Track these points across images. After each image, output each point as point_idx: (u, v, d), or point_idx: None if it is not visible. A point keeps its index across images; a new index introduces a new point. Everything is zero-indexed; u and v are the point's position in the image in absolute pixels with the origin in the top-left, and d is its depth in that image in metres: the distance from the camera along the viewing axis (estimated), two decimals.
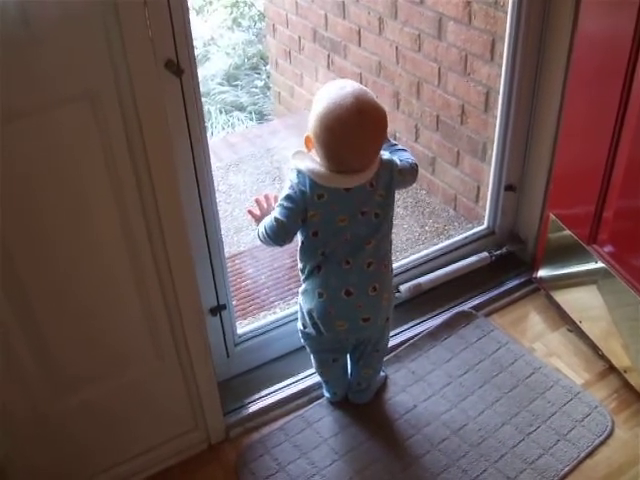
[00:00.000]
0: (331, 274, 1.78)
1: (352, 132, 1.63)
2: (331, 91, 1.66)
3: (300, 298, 1.89)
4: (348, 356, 2.05)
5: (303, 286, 1.86)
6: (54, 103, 1.33)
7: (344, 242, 1.75)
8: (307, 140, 1.71)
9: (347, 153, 1.66)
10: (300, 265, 1.84)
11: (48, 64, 1.28)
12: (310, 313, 1.84)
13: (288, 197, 1.71)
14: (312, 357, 2.03)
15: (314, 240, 1.75)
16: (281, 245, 1.81)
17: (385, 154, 1.77)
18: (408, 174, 1.81)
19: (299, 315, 1.93)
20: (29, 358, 1.58)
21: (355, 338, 1.94)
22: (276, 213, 1.74)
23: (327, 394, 2.11)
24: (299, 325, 1.94)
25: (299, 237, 1.80)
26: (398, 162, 1.78)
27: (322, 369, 2.03)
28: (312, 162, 1.69)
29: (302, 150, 1.73)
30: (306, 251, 1.80)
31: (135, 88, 1.37)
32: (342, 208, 1.71)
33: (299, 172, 1.71)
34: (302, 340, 1.98)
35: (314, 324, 1.86)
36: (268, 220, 1.76)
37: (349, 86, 1.66)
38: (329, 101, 1.64)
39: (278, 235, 1.76)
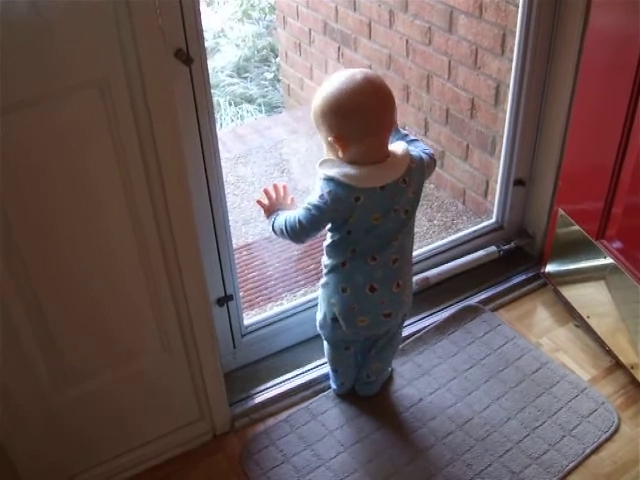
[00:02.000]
0: (356, 270, 1.78)
1: (365, 90, 1.61)
2: (325, 88, 1.65)
3: (320, 291, 1.89)
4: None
5: (324, 279, 1.86)
6: (63, 91, 1.33)
7: (373, 238, 1.74)
8: (334, 142, 1.65)
9: (371, 112, 1.62)
10: (327, 261, 1.83)
11: (58, 52, 1.28)
12: (332, 307, 1.85)
13: (317, 207, 1.68)
14: (325, 343, 2.04)
15: (347, 238, 1.74)
16: (297, 243, 1.82)
17: (411, 149, 1.76)
18: (432, 166, 1.83)
19: (319, 307, 1.92)
20: (36, 349, 1.58)
21: (373, 333, 1.95)
22: (300, 215, 1.71)
23: (334, 385, 2.11)
24: (318, 315, 1.93)
25: (329, 235, 1.78)
26: (422, 157, 1.77)
27: (333, 355, 2.04)
28: (342, 167, 1.66)
29: (328, 158, 1.71)
30: (337, 248, 1.78)
31: (144, 76, 1.37)
32: (377, 207, 1.69)
33: (330, 180, 1.67)
34: (318, 328, 1.97)
35: (333, 318, 1.87)
36: (291, 218, 1.74)
37: (339, 75, 1.66)
38: (330, 90, 1.63)
39: (298, 236, 1.76)
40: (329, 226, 1.75)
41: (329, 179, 1.67)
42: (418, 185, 1.76)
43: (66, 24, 1.26)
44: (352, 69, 1.67)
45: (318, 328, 1.97)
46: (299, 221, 1.71)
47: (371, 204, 1.68)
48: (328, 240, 1.79)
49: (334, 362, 2.06)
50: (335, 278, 1.81)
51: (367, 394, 2.10)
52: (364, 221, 1.70)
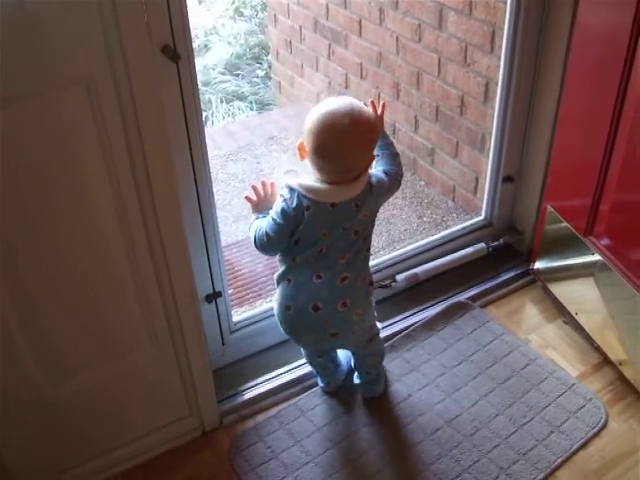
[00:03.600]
0: (301, 288, 1.79)
1: (342, 127, 1.64)
2: (321, 110, 1.67)
3: (274, 304, 1.90)
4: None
5: (276, 293, 1.87)
6: (49, 88, 1.33)
7: (318, 254, 1.75)
8: (301, 147, 1.72)
9: (337, 147, 1.65)
10: (277, 271, 1.85)
11: (43, 49, 1.28)
12: (280, 324, 1.87)
13: (283, 212, 1.72)
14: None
15: (294, 247, 1.77)
16: (264, 254, 1.86)
17: (374, 175, 1.78)
18: (394, 187, 1.84)
19: None
20: (26, 345, 1.58)
21: (329, 347, 1.98)
22: (267, 227, 1.75)
23: (321, 383, 2.12)
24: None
25: None
26: (386, 180, 1.79)
27: (309, 359, 2.06)
28: (302, 179, 1.71)
29: (293, 169, 1.75)
30: (282, 255, 1.81)
31: (131, 73, 1.37)
32: (325, 222, 1.72)
33: (290, 189, 1.72)
34: None
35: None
36: (259, 231, 1.77)
37: (334, 106, 1.67)
38: (320, 119, 1.66)
39: (265, 249, 1.80)
40: None
41: (288, 187, 1.72)
42: (371, 211, 1.78)
43: (50, 21, 1.26)
44: (348, 103, 1.67)
45: None
46: (266, 233, 1.75)
47: (320, 217, 1.71)
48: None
49: (312, 365, 2.08)
50: (281, 294, 1.83)
51: (372, 395, 2.09)
52: (311, 234, 1.73)
